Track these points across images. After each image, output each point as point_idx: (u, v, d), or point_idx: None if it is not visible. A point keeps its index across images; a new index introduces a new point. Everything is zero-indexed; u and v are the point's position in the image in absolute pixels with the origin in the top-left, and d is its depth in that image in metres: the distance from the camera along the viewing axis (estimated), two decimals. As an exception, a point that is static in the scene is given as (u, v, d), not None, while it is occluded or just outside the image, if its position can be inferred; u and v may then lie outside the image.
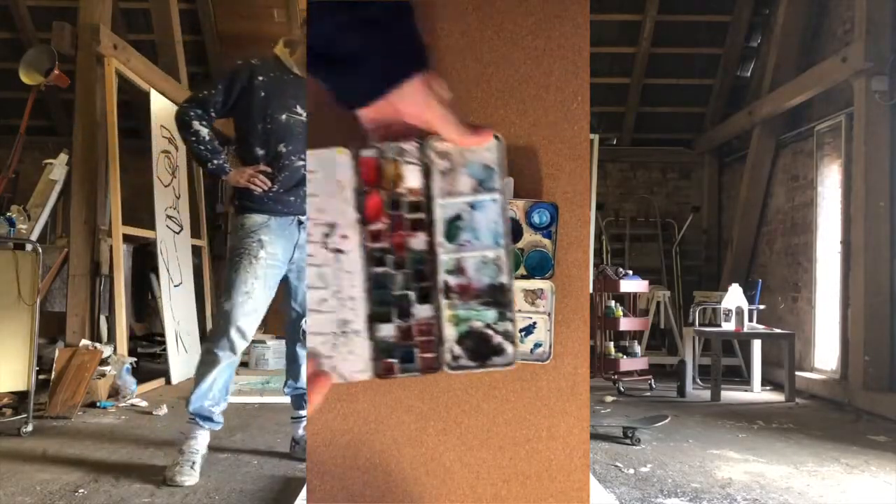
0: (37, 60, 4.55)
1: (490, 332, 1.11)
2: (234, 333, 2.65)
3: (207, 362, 2.70)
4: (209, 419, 2.75)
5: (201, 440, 2.75)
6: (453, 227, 1.09)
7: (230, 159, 3.18)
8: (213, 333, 2.75)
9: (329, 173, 1.08)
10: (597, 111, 7.28)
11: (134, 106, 7.04)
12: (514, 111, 1.45)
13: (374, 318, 1.10)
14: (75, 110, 4.71)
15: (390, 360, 1.11)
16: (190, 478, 2.61)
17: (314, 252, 1.08)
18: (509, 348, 1.12)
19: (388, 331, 1.10)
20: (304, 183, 2.64)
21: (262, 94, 2.71)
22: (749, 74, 7.19)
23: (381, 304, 1.09)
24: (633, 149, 7.66)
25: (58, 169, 4.90)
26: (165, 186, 5.30)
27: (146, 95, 5.24)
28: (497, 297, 1.11)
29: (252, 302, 2.66)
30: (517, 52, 1.46)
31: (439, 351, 1.12)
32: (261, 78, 2.72)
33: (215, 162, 2.72)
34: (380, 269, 1.09)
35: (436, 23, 1.48)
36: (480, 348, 1.12)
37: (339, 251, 1.07)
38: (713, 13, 6.91)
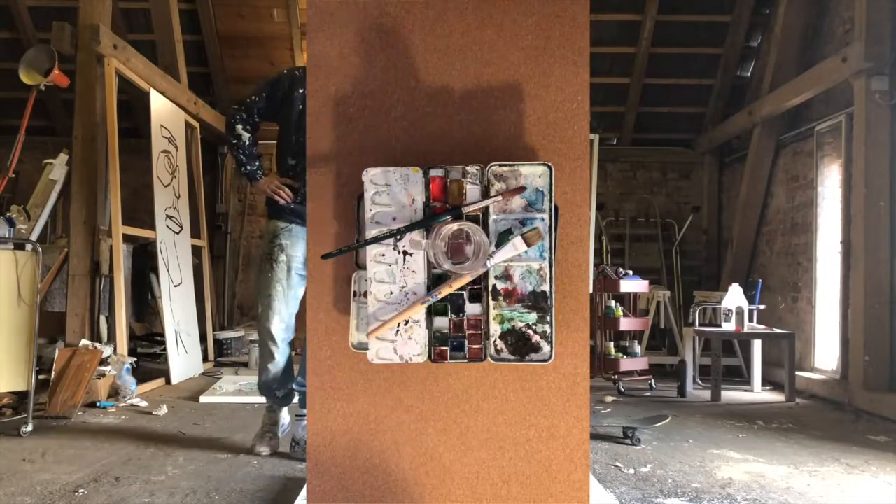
0: (37, 60, 4.54)
1: (530, 331, 1.28)
2: (265, 335, 2.92)
3: (262, 362, 3.00)
4: (277, 400, 3.05)
5: (277, 414, 3.08)
6: (504, 239, 1.24)
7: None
8: (258, 337, 3.04)
9: (402, 187, 1.26)
10: (597, 111, 7.28)
11: (134, 106, 7.04)
12: (514, 111, 1.45)
13: (432, 312, 1.27)
14: (75, 110, 4.71)
15: (443, 347, 1.29)
16: (266, 448, 2.99)
17: (385, 252, 1.26)
18: (546, 347, 1.29)
19: (443, 323, 1.28)
20: None
21: (300, 106, 2.82)
22: (749, 74, 7.19)
23: (439, 299, 1.26)
24: (633, 149, 7.66)
25: (58, 169, 4.90)
26: (165, 186, 5.30)
27: (146, 95, 5.24)
28: (538, 302, 1.28)
29: (276, 304, 2.88)
30: (517, 52, 1.46)
31: (485, 344, 1.29)
32: (301, 90, 2.82)
33: (248, 167, 2.88)
34: (439, 270, 1.25)
35: (436, 23, 1.48)
36: (520, 345, 1.30)
37: (406, 253, 1.25)
38: (713, 13, 6.91)
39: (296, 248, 2.86)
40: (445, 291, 1.24)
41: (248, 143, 2.85)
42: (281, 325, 2.90)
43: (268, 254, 2.89)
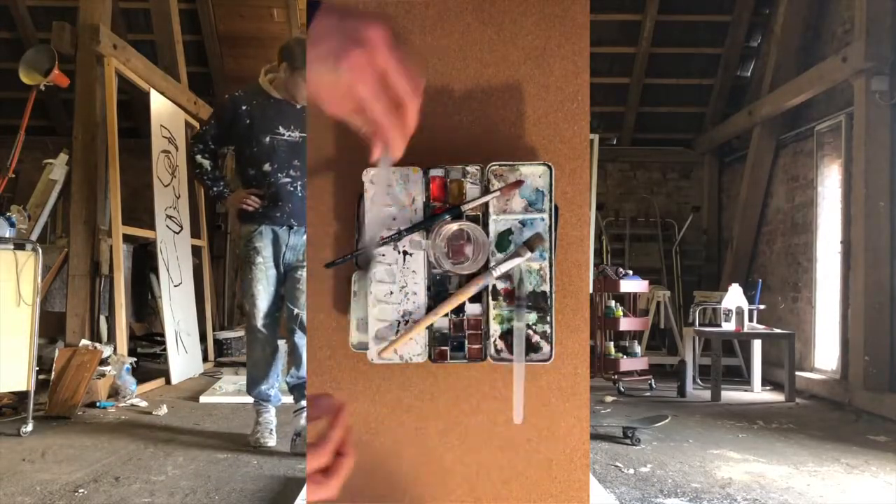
0: (37, 60, 4.54)
1: (530, 331, 1.25)
2: (254, 331, 3.13)
3: (250, 359, 3.20)
4: (269, 399, 3.21)
5: (270, 414, 3.23)
6: (504, 240, 1.24)
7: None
8: (246, 335, 3.26)
9: (402, 187, 1.25)
10: (597, 111, 7.28)
11: (134, 106, 7.04)
12: (514, 111, 1.45)
13: (432, 312, 1.25)
14: (75, 110, 4.71)
15: (444, 347, 1.27)
16: (271, 440, 3.14)
17: (385, 252, 1.25)
18: (546, 347, 1.27)
19: (443, 323, 1.26)
20: (289, 197, 3.05)
21: (248, 121, 3.06)
22: (749, 74, 7.19)
23: (439, 299, 1.25)
24: (633, 149, 7.66)
25: (58, 169, 4.90)
26: (165, 186, 5.30)
27: (146, 95, 5.24)
28: (538, 302, 1.25)
29: (259, 302, 3.09)
30: (517, 52, 1.46)
31: (485, 344, 1.27)
32: (244, 107, 3.07)
33: (215, 189, 3.17)
34: (439, 270, 1.24)
35: (436, 23, 1.48)
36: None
37: (406, 253, 1.24)
38: (713, 13, 6.91)
39: (268, 248, 3.09)
40: (455, 303, 1.23)
41: (209, 168, 3.14)
42: (265, 321, 3.11)
43: (246, 258, 3.11)
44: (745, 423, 4.01)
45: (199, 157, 3.13)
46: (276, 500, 2.46)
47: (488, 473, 1.47)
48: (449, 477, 1.47)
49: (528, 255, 1.24)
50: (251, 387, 3.20)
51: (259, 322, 3.09)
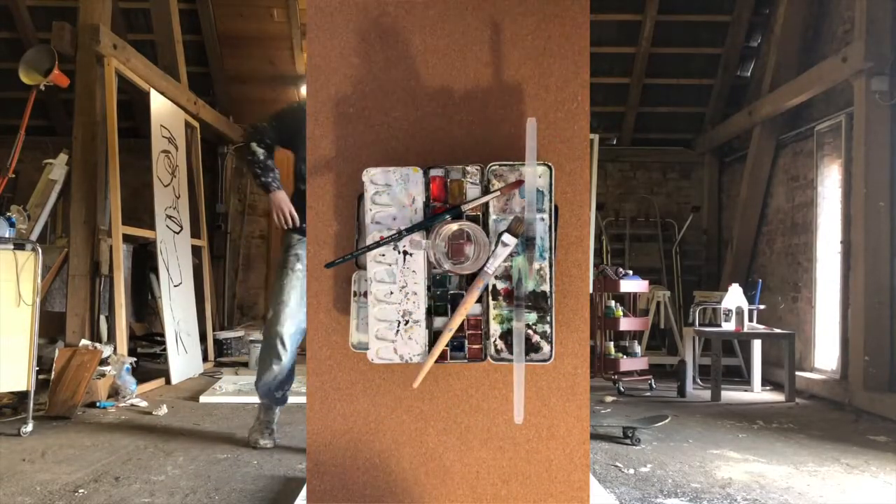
0: (37, 60, 4.54)
1: (530, 331, 1.26)
2: (275, 337, 3.06)
3: (264, 364, 3.11)
4: (276, 400, 3.18)
5: (273, 414, 3.21)
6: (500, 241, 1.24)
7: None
8: (264, 338, 3.18)
9: (402, 187, 1.25)
10: (597, 111, 7.27)
11: (134, 106, 7.04)
12: (515, 111, 1.45)
13: (432, 311, 1.26)
14: (75, 110, 4.71)
15: (444, 347, 1.26)
16: (269, 441, 3.13)
17: (385, 252, 1.25)
18: (546, 347, 1.27)
19: (443, 323, 1.26)
20: None
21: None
22: (749, 74, 7.19)
23: (439, 299, 1.26)
24: (633, 149, 7.66)
25: (58, 169, 4.90)
26: (165, 186, 5.30)
27: (146, 95, 5.24)
28: (539, 302, 1.26)
29: (288, 310, 3.05)
30: (517, 52, 1.46)
31: (485, 344, 1.27)
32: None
33: (262, 179, 3.09)
34: (439, 270, 1.25)
35: (436, 23, 1.48)
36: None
37: (406, 253, 1.25)
38: (713, 13, 6.91)
39: None
40: (465, 310, 1.24)
41: (261, 157, 3.06)
42: (292, 329, 3.06)
43: (285, 263, 3.10)
44: (745, 423, 4.01)
45: (254, 144, 3.08)
46: (276, 500, 2.46)
47: (488, 473, 1.47)
48: (449, 477, 1.47)
49: (514, 241, 1.24)
50: (260, 387, 3.16)
51: (283, 328, 3.05)
